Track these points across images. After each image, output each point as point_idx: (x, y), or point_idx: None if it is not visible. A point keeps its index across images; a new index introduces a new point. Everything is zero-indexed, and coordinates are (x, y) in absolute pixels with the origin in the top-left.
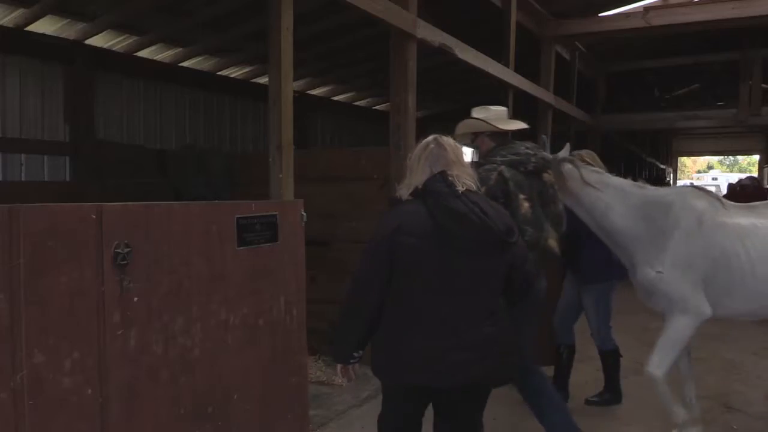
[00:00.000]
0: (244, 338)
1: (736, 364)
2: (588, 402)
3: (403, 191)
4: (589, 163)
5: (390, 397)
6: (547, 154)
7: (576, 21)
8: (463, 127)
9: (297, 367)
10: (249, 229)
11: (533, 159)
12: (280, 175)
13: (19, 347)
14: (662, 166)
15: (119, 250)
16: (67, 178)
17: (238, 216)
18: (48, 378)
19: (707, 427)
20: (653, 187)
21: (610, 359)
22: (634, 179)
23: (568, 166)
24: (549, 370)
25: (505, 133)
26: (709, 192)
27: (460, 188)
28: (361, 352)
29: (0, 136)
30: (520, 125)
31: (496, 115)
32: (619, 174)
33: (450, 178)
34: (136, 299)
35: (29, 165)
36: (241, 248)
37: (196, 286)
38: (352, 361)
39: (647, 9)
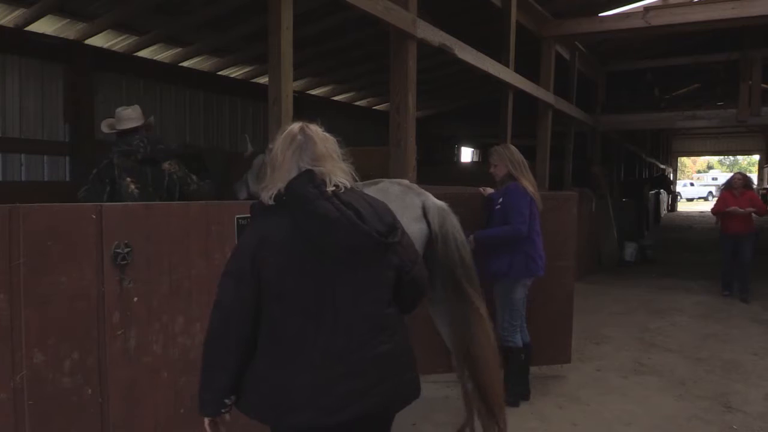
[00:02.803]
0: None
1: (736, 364)
2: None
3: (264, 194)
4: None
5: None
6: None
7: (576, 21)
8: (102, 125)
9: None
10: None
11: (142, 150)
12: None
13: (19, 347)
14: (662, 166)
15: (119, 250)
16: (67, 178)
17: (238, 216)
18: (48, 378)
19: (707, 427)
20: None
21: (509, 357)
22: (634, 179)
23: (258, 159)
24: (551, 370)
25: (132, 129)
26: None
27: (331, 188)
28: (233, 397)
29: (0, 136)
30: (131, 124)
31: (118, 117)
32: (619, 174)
33: (319, 177)
34: (136, 299)
35: (29, 165)
36: None
37: (196, 286)
38: (223, 410)
39: (647, 9)
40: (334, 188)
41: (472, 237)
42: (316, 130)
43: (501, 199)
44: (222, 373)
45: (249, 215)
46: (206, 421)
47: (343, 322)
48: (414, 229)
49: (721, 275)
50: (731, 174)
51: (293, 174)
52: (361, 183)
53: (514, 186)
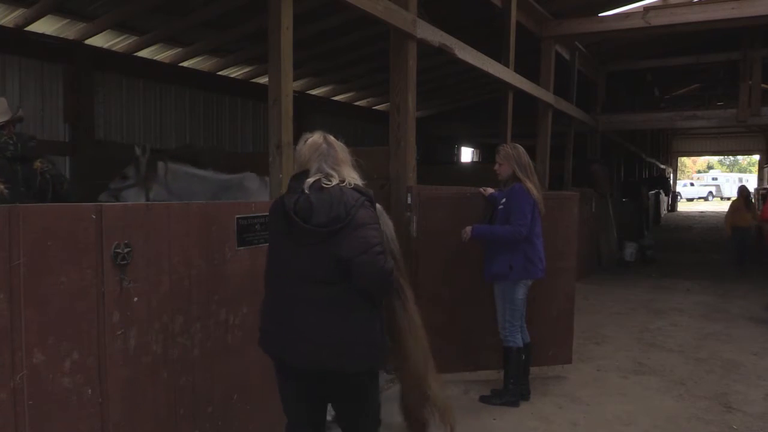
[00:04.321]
0: (244, 338)
1: (736, 364)
2: (482, 399)
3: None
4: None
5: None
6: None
7: (576, 21)
8: None
9: None
10: (249, 229)
11: (11, 148)
12: (280, 175)
13: (19, 347)
14: (662, 166)
15: (119, 250)
16: (67, 178)
17: (238, 216)
18: (48, 378)
19: (707, 427)
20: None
21: (509, 357)
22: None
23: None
24: (554, 370)
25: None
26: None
27: (313, 184)
28: None
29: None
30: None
31: None
32: (619, 174)
33: (310, 176)
34: (136, 299)
35: None
36: (241, 248)
37: (196, 286)
38: None
39: (647, 9)
40: (314, 185)
41: (468, 229)
42: (334, 140)
43: (504, 200)
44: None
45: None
46: None
47: (296, 290)
48: None
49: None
50: (730, 174)
51: (312, 171)
52: None
53: (519, 187)
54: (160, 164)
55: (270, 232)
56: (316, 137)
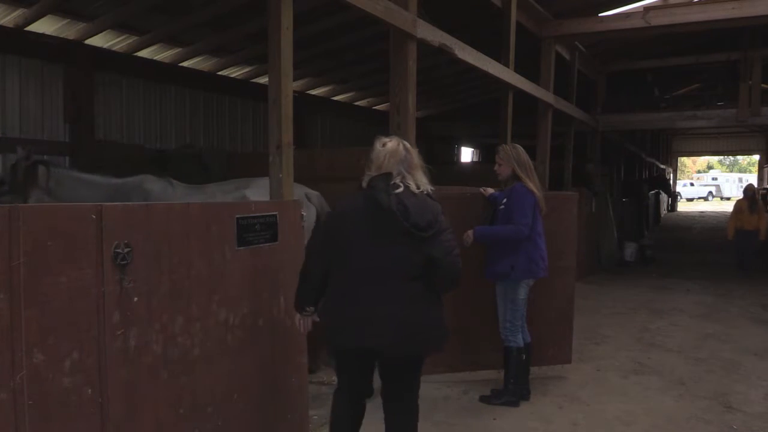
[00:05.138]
0: (244, 338)
1: (736, 364)
2: (482, 399)
3: (363, 181)
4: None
5: (332, 353)
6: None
7: (576, 21)
8: None
9: (297, 367)
10: (249, 229)
11: None
12: (280, 175)
13: (19, 347)
14: (662, 166)
15: (119, 250)
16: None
17: (238, 216)
18: (48, 378)
19: (707, 427)
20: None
21: (510, 357)
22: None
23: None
24: (555, 370)
25: None
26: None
27: (402, 188)
28: (311, 308)
29: (0, 136)
30: None
31: None
32: (619, 174)
33: (394, 179)
34: (136, 299)
35: None
36: (241, 248)
37: (196, 286)
38: (304, 313)
39: (647, 9)
40: (402, 188)
41: (470, 232)
42: (410, 146)
43: (505, 200)
44: (303, 293)
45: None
46: (297, 316)
47: (379, 277)
48: (309, 213)
49: None
50: (730, 174)
51: (394, 175)
52: (236, 181)
53: (519, 187)
54: (42, 169)
55: (339, 229)
56: (394, 142)
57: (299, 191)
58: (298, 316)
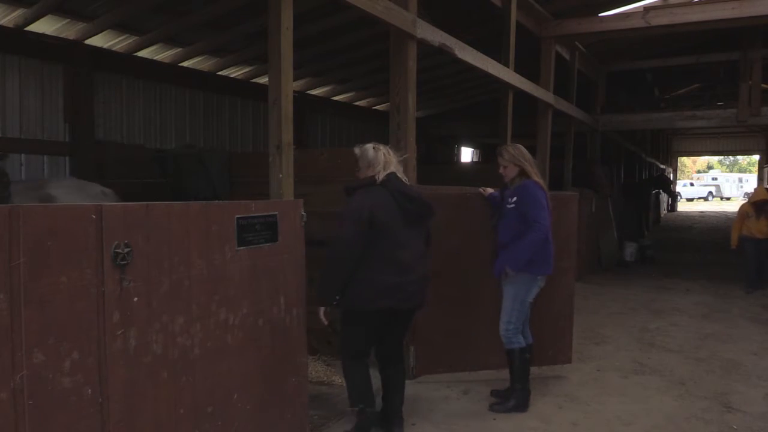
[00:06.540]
0: (244, 338)
1: (736, 364)
2: (492, 408)
3: (374, 177)
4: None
5: (357, 321)
6: None
7: (576, 21)
8: None
9: (297, 367)
10: (249, 229)
11: None
12: (280, 175)
13: (19, 347)
14: (662, 166)
15: (119, 250)
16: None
17: (238, 216)
18: (48, 378)
19: (707, 426)
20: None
21: (514, 359)
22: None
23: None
24: (552, 370)
25: None
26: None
27: (408, 183)
28: (338, 297)
29: (0, 136)
30: None
31: None
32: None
33: (399, 176)
34: (136, 299)
35: (29, 165)
36: (241, 248)
37: (196, 286)
38: (333, 303)
39: (647, 9)
40: (408, 183)
41: (508, 268)
42: (391, 150)
43: (515, 198)
44: (339, 279)
45: (350, 188)
46: (321, 311)
47: (409, 253)
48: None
49: None
50: (730, 174)
51: (383, 172)
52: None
53: (530, 183)
54: None
55: (378, 217)
56: (383, 147)
57: (96, 188)
58: (322, 310)
